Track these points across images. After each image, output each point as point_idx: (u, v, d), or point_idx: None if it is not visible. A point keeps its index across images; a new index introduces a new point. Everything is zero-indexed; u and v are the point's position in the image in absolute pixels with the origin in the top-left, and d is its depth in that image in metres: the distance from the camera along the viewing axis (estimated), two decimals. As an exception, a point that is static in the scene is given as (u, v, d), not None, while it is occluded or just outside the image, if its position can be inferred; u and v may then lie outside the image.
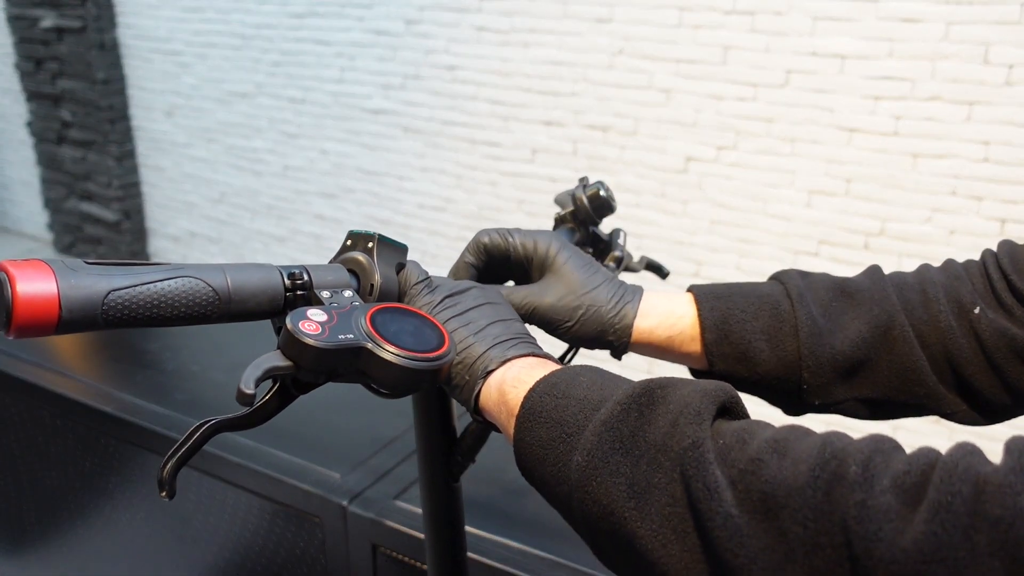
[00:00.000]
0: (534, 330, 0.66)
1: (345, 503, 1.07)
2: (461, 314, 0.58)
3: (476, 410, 0.57)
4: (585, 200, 0.78)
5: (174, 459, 0.49)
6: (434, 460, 0.75)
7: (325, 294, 0.54)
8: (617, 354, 0.70)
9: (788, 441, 0.41)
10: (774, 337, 0.66)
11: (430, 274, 0.61)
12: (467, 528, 0.82)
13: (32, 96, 4.67)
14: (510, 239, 0.69)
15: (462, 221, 3.41)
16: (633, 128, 2.88)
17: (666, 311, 0.69)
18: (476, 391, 0.55)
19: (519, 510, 1.07)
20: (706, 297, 0.69)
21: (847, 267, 2.51)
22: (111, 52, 4.33)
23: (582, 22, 2.87)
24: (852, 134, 2.48)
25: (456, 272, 0.69)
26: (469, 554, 0.85)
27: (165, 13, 4.11)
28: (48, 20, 4.33)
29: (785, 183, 2.64)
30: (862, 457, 0.38)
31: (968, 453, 0.36)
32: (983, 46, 2.24)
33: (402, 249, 0.61)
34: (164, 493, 0.49)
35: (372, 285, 0.57)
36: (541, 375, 0.53)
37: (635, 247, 2.36)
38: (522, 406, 0.52)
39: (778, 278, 0.71)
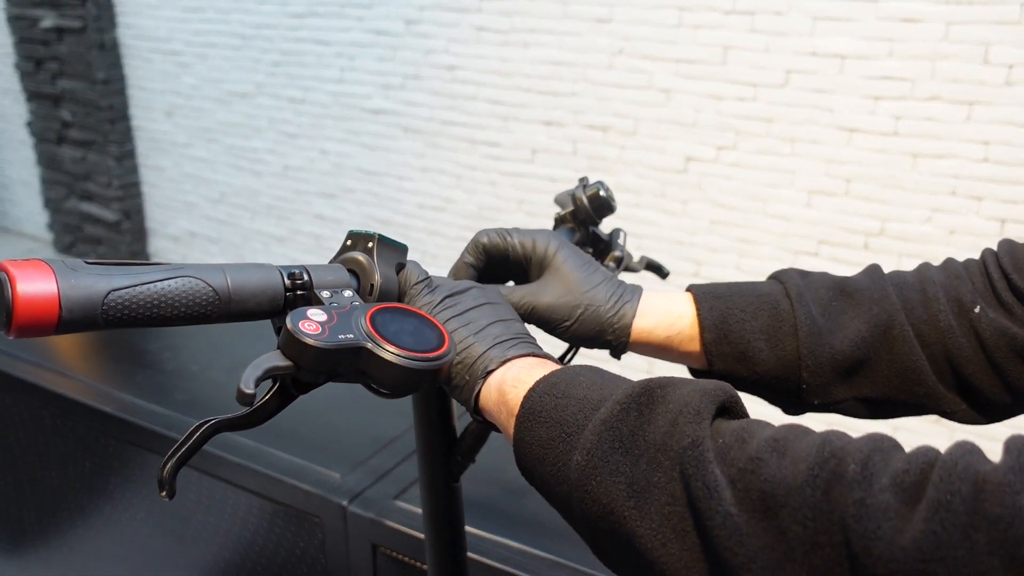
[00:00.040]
0: (534, 330, 0.66)
1: (345, 503, 1.07)
2: (461, 314, 0.58)
3: (476, 410, 0.57)
4: (585, 200, 0.78)
5: (174, 459, 0.49)
6: (434, 460, 0.75)
7: (325, 294, 0.54)
8: (616, 353, 0.70)
9: (787, 440, 0.41)
10: (773, 337, 0.66)
11: (430, 274, 0.61)
12: (467, 528, 0.83)
13: (32, 96, 4.67)
14: (509, 238, 0.69)
15: (462, 221, 3.41)
16: (633, 128, 2.88)
17: (665, 311, 0.69)
18: (476, 391, 0.55)
19: (519, 510, 1.07)
20: (705, 297, 0.69)
21: (847, 267, 2.51)
22: (111, 52, 4.33)
23: (582, 22, 2.88)
24: (852, 134, 2.48)
25: (456, 272, 0.69)
26: (469, 554, 0.85)
27: (165, 13, 4.11)
28: (48, 20, 4.33)
29: (785, 183, 2.64)
30: (861, 456, 0.38)
31: (967, 452, 0.36)
32: (983, 46, 2.24)
33: (402, 249, 0.61)
34: (164, 493, 0.49)
35: (372, 285, 0.57)
36: (541, 375, 0.53)
37: (635, 247, 2.37)
38: (522, 406, 0.52)
39: (777, 277, 0.71)
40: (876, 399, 0.67)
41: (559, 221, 0.80)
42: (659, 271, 0.91)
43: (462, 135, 3.31)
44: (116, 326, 0.46)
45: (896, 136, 2.42)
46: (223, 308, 0.50)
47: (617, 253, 0.79)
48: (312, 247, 4.01)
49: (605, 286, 0.68)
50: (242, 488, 1.17)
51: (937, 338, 0.64)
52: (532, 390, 0.52)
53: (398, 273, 0.60)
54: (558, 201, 0.81)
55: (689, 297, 0.70)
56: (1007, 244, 0.66)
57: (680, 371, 0.74)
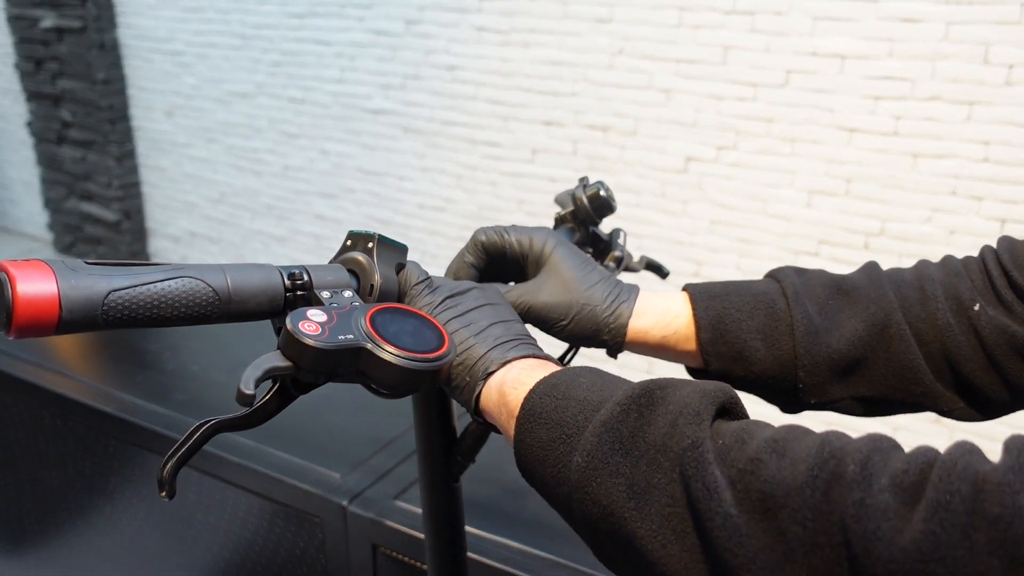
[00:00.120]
0: (533, 330, 0.66)
1: (345, 503, 1.07)
2: (462, 315, 0.58)
3: (476, 411, 0.57)
4: (585, 200, 0.78)
5: (174, 459, 0.49)
6: (434, 460, 0.75)
7: (325, 294, 0.54)
8: (612, 353, 0.70)
9: (787, 441, 0.41)
10: (769, 336, 0.66)
11: (430, 274, 0.61)
12: (467, 528, 0.82)
13: (32, 96, 4.67)
14: (506, 236, 0.69)
15: (462, 221, 3.41)
16: (633, 128, 2.88)
17: (662, 311, 0.69)
18: (477, 392, 0.55)
19: (519, 510, 1.07)
20: (701, 296, 0.69)
21: (847, 267, 2.49)
22: (111, 52, 4.33)
23: (582, 22, 2.87)
24: (852, 134, 2.48)
25: (456, 272, 0.69)
26: (469, 554, 0.85)
27: (165, 13, 4.11)
28: (48, 20, 4.33)
29: (785, 183, 2.64)
30: (860, 456, 0.38)
31: (967, 452, 0.36)
32: (983, 46, 2.24)
33: (402, 249, 0.61)
34: (164, 493, 0.49)
35: (372, 285, 0.57)
36: (541, 376, 0.53)
37: (635, 247, 2.36)
38: (522, 407, 0.52)
39: (774, 276, 0.70)
40: (873, 398, 0.67)
41: (559, 221, 0.80)
42: (659, 271, 0.91)
43: (462, 135, 3.31)
44: (116, 326, 0.46)
45: (896, 136, 2.42)
46: (223, 308, 0.50)
47: (617, 253, 0.79)
48: (312, 247, 4.01)
49: (602, 285, 0.68)
50: (242, 488, 1.17)
51: (935, 336, 0.64)
52: (532, 391, 0.52)
53: (398, 273, 0.60)
54: (558, 201, 0.81)
55: (685, 297, 0.70)
56: (1007, 241, 0.66)
57: (679, 371, 0.74)
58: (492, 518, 1.04)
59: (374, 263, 0.58)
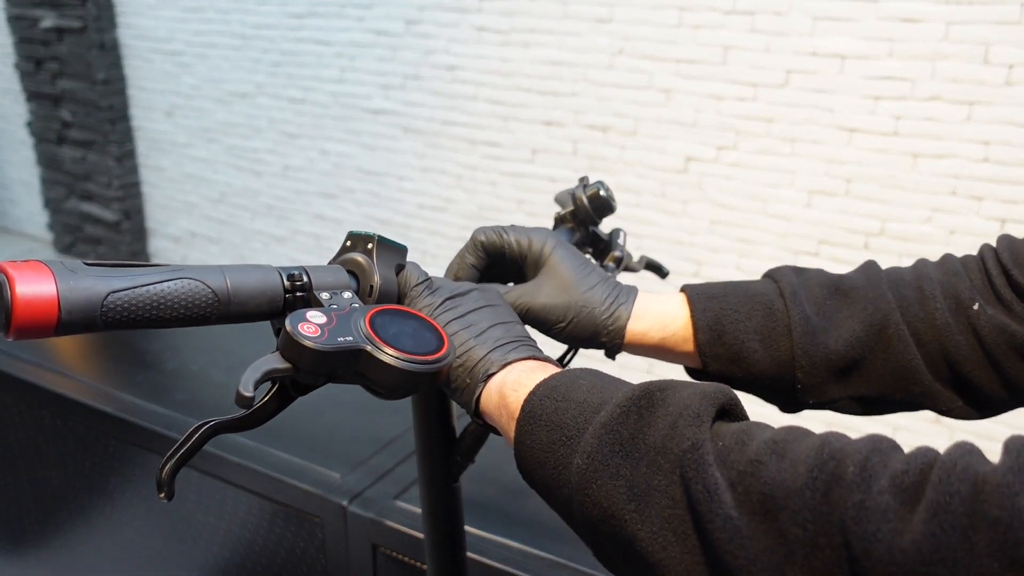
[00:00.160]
0: (532, 331, 0.66)
1: (345, 503, 1.07)
2: (462, 316, 0.58)
3: (477, 413, 0.56)
4: (585, 200, 0.78)
5: (173, 460, 0.49)
6: (433, 460, 0.75)
7: (324, 295, 0.54)
8: (610, 354, 0.70)
9: (787, 442, 0.41)
10: (767, 337, 0.66)
11: (430, 275, 0.61)
12: (467, 528, 0.83)
13: (32, 96, 4.67)
14: (505, 236, 0.68)
15: (462, 221, 3.41)
16: (633, 128, 2.88)
17: (659, 313, 0.69)
18: (477, 394, 0.55)
19: (519, 510, 1.07)
20: (699, 298, 0.69)
21: (847, 267, 2.49)
22: (111, 52, 4.33)
23: (582, 22, 2.87)
24: (852, 134, 2.48)
25: (456, 272, 0.69)
26: (469, 554, 0.85)
27: (165, 13, 4.11)
28: (48, 20, 4.33)
29: (785, 183, 2.64)
30: (860, 457, 0.38)
31: (967, 452, 0.36)
32: (983, 46, 2.24)
33: (402, 250, 0.60)
34: (163, 495, 0.49)
35: (371, 287, 0.57)
36: (541, 378, 0.53)
37: (635, 247, 2.35)
38: (522, 409, 0.52)
39: (772, 276, 0.70)
40: (871, 397, 0.67)
41: (559, 221, 0.80)
42: (659, 271, 0.91)
43: (462, 135, 3.31)
44: (115, 328, 0.46)
45: (896, 136, 2.42)
46: (222, 310, 0.50)
47: (617, 253, 0.79)
48: (312, 247, 4.00)
49: (600, 288, 0.68)
50: (242, 488, 1.17)
51: (934, 336, 0.64)
52: (532, 394, 0.52)
53: (397, 274, 0.60)
54: (558, 200, 0.81)
55: (683, 298, 0.70)
56: (1007, 240, 0.66)
57: (679, 371, 0.74)
58: (492, 518, 1.04)
59: (374, 264, 0.58)
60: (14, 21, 4.54)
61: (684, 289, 0.71)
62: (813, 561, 0.38)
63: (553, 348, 0.69)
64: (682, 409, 0.45)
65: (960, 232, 2.39)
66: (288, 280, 0.53)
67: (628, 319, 0.67)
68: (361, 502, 1.08)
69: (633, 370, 2.96)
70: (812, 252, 2.63)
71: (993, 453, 0.35)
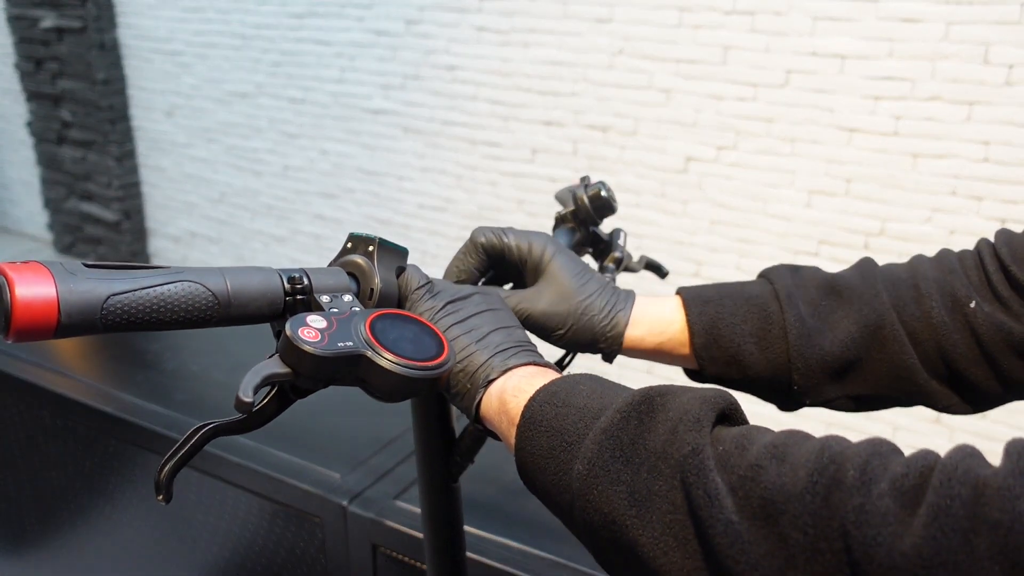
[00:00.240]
0: (531, 336, 0.66)
1: (345, 503, 1.07)
2: (463, 321, 0.58)
3: (477, 419, 0.56)
4: (586, 200, 0.78)
5: (171, 462, 0.49)
6: (433, 461, 0.75)
7: (325, 298, 0.54)
8: (608, 359, 0.70)
9: (787, 446, 0.41)
10: (763, 340, 0.66)
11: (431, 277, 0.61)
12: (467, 528, 0.82)
13: (32, 96, 4.66)
14: (505, 239, 0.68)
15: (462, 221, 3.40)
16: (633, 128, 2.88)
17: (656, 318, 0.69)
18: (477, 400, 0.55)
19: (519, 510, 1.07)
20: (694, 301, 0.69)
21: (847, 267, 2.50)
22: (111, 52, 4.33)
23: (582, 22, 2.87)
24: (852, 134, 2.48)
25: (457, 274, 0.69)
26: (469, 554, 0.85)
27: (165, 13, 4.10)
28: (48, 20, 4.33)
29: (785, 183, 2.63)
30: (860, 461, 0.38)
31: (967, 456, 0.36)
32: (983, 46, 2.24)
33: (402, 253, 0.60)
34: (161, 497, 0.49)
35: (372, 289, 0.57)
36: (541, 384, 0.53)
37: (635, 247, 2.35)
38: (522, 415, 0.52)
39: (767, 276, 0.71)
40: (867, 396, 0.67)
41: (560, 220, 0.80)
42: (658, 271, 0.91)
43: (462, 135, 3.31)
44: (115, 330, 0.46)
45: (896, 136, 2.42)
46: (222, 312, 0.50)
47: (617, 254, 0.79)
48: (312, 247, 4.00)
49: (599, 296, 0.68)
50: (242, 488, 1.17)
51: (930, 335, 0.64)
52: (532, 399, 0.52)
53: (398, 277, 0.60)
54: (559, 198, 0.81)
55: (678, 302, 0.70)
56: (1005, 235, 0.65)
57: (679, 372, 0.74)
58: (491, 518, 1.04)
59: (374, 267, 0.58)
60: (14, 21, 4.54)
61: (680, 292, 0.71)
62: (814, 565, 0.37)
63: (550, 351, 0.69)
64: (682, 414, 0.45)
65: (960, 232, 2.39)
66: (288, 283, 0.53)
67: (626, 325, 0.68)
68: (361, 502, 1.08)
69: (633, 371, 2.96)
70: (812, 252, 2.63)
71: (993, 455, 0.35)
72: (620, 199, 0.88)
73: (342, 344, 0.49)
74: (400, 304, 0.59)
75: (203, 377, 1.41)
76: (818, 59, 2.47)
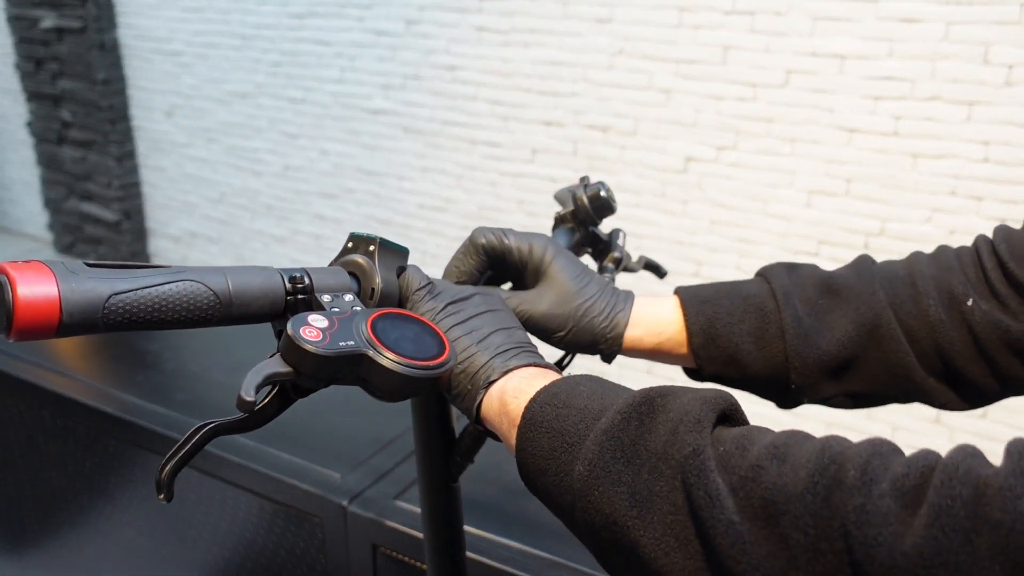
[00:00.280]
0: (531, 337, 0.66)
1: (345, 503, 1.07)
2: (464, 322, 0.58)
3: (478, 419, 0.56)
4: (586, 200, 0.78)
5: (172, 461, 0.49)
6: (433, 461, 0.75)
7: (326, 298, 0.54)
8: (607, 359, 0.70)
9: (788, 447, 0.41)
10: (760, 339, 0.67)
11: (431, 277, 0.61)
12: (467, 528, 0.83)
13: (32, 96, 4.66)
14: (506, 241, 0.68)
15: (462, 221, 3.40)
16: (633, 128, 2.88)
17: (654, 318, 0.69)
18: (478, 401, 0.55)
19: (519, 510, 1.07)
20: (692, 301, 0.69)
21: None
22: (111, 52, 4.33)
23: (582, 22, 2.87)
24: (852, 134, 2.48)
25: (458, 275, 0.69)
26: (469, 554, 0.85)
27: (165, 13, 4.10)
28: (48, 20, 4.33)
29: (785, 183, 2.64)
30: (860, 461, 0.38)
31: (968, 456, 0.36)
32: (983, 46, 2.24)
33: (403, 253, 0.60)
34: (162, 496, 0.49)
35: (373, 289, 0.57)
36: (542, 385, 0.53)
37: (635, 247, 2.35)
38: (523, 416, 0.52)
39: (764, 275, 0.71)
40: (865, 393, 0.67)
41: (559, 220, 0.80)
42: (657, 271, 0.91)
43: (462, 135, 3.31)
44: (116, 329, 0.46)
45: (896, 136, 2.42)
46: (224, 311, 0.50)
47: (616, 254, 0.79)
48: (312, 247, 4.00)
49: (599, 297, 0.68)
50: (242, 488, 1.17)
51: (927, 333, 0.64)
52: (533, 401, 0.52)
53: (399, 276, 0.60)
54: (558, 198, 0.81)
55: (676, 303, 0.70)
56: (1004, 231, 0.65)
57: (678, 371, 0.74)
58: (491, 518, 1.04)
59: (375, 267, 0.58)
60: (14, 21, 4.54)
61: (678, 292, 0.71)
62: (815, 566, 0.38)
63: (549, 351, 0.69)
64: (683, 415, 0.45)
65: (960, 232, 2.39)
66: (290, 282, 0.53)
67: (626, 327, 0.68)
68: (361, 502, 1.08)
69: (633, 371, 2.96)
70: (812, 252, 2.63)
71: (994, 455, 0.35)
72: (620, 199, 0.88)
73: (344, 343, 0.50)
74: (401, 304, 0.59)
75: (203, 377, 1.41)
76: (818, 59, 2.47)
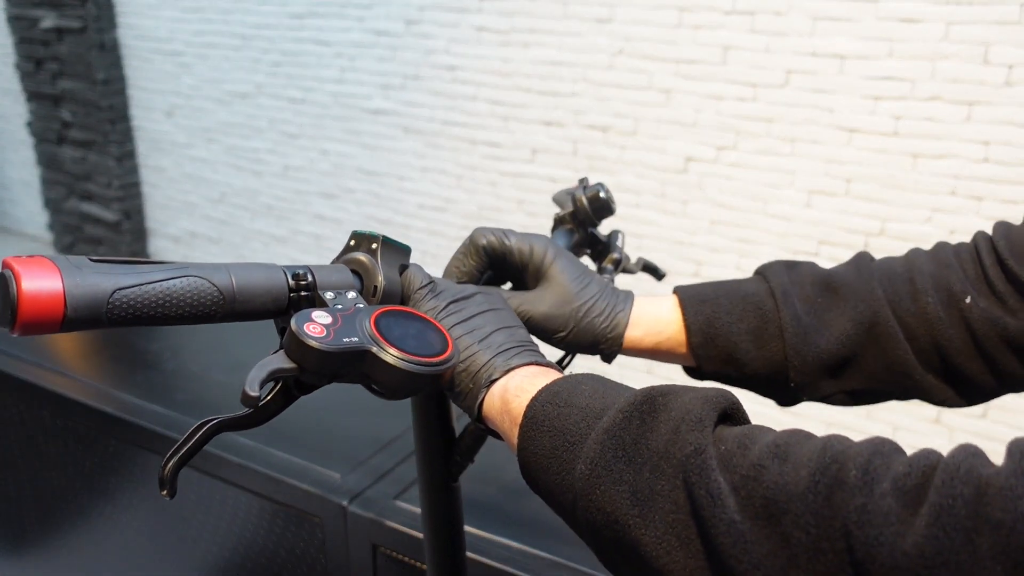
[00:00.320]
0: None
1: (345, 503, 1.07)
2: (466, 320, 0.58)
3: (479, 418, 0.57)
4: (585, 202, 0.78)
5: (175, 458, 0.49)
6: (433, 460, 0.75)
7: (329, 295, 0.54)
8: (607, 359, 0.70)
9: (789, 446, 0.41)
10: (759, 338, 0.67)
11: (432, 276, 0.61)
12: (467, 528, 0.83)
13: (32, 96, 4.66)
14: (507, 241, 0.68)
15: (462, 221, 3.41)
16: (633, 128, 2.88)
17: (653, 318, 0.70)
18: (479, 400, 0.55)
19: (519, 510, 1.07)
20: (691, 301, 0.69)
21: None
22: (111, 52, 4.33)
23: (582, 22, 2.87)
24: (852, 134, 2.48)
25: (458, 275, 0.69)
26: (469, 554, 0.86)
27: (165, 13, 4.10)
28: (48, 20, 4.33)
29: (785, 183, 2.64)
30: (862, 460, 0.38)
31: (970, 455, 0.36)
32: (983, 46, 2.24)
33: (406, 251, 0.61)
34: (165, 492, 0.49)
35: (375, 287, 0.57)
36: (543, 384, 0.53)
37: (635, 247, 2.34)
38: (525, 415, 0.52)
39: (763, 273, 0.71)
40: (863, 391, 0.68)
41: (558, 221, 0.80)
42: (655, 273, 0.91)
43: (462, 135, 3.31)
44: (120, 325, 0.46)
45: (896, 136, 2.42)
46: (227, 308, 0.50)
47: (615, 255, 0.79)
48: (312, 247, 4.00)
49: (600, 298, 0.68)
50: (242, 488, 1.17)
51: (926, 330, 0.64)
52: (535, 399, 0.52)
53: (401, 275, 0.60)
54: (557, 200, 0.81)
55: (675, 302, 0.71)
56: (1003, 227, 0.66)
57: (679, 370, 0.74)
58: (492, 518, 1.05)
59: (378, 264, 0.58)
60: (14, 21, 4.53)
61: (677, 291, 0.71)
62: (816, 565, 0.38)
63: (549, 351, 0.69)
64: (684, 414, 0.45)
65: (960, 232, 2.39)
66: (293, 279, 0.53)
67: (626, 326, 0.68)
68: (361, 502, 1.08)
69: (633, 371, 2.96)
70: (812, 252, 2.64)
71: (995, 455, 0.35)
72: (620, 199, 0.88)
73: (347, 340, 0.50)
74: (403, 302, 0.60)
75: (203, 377, 1.41)
76: (818, 59, 2.48)
